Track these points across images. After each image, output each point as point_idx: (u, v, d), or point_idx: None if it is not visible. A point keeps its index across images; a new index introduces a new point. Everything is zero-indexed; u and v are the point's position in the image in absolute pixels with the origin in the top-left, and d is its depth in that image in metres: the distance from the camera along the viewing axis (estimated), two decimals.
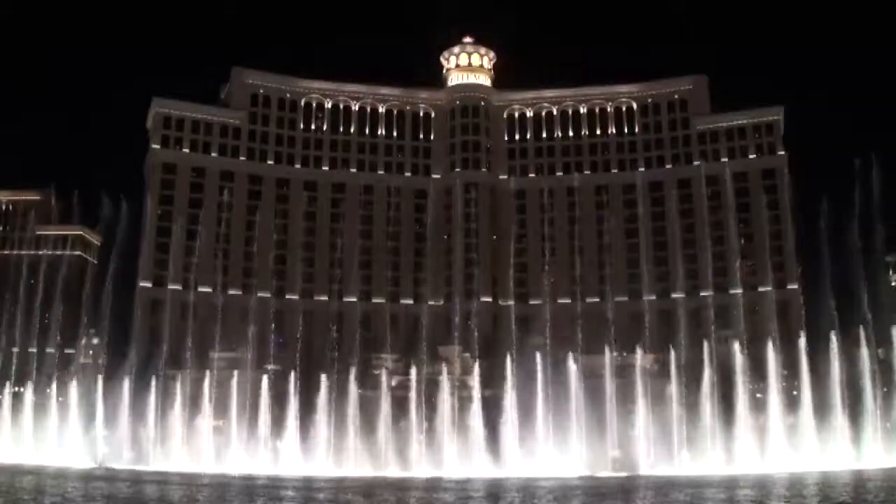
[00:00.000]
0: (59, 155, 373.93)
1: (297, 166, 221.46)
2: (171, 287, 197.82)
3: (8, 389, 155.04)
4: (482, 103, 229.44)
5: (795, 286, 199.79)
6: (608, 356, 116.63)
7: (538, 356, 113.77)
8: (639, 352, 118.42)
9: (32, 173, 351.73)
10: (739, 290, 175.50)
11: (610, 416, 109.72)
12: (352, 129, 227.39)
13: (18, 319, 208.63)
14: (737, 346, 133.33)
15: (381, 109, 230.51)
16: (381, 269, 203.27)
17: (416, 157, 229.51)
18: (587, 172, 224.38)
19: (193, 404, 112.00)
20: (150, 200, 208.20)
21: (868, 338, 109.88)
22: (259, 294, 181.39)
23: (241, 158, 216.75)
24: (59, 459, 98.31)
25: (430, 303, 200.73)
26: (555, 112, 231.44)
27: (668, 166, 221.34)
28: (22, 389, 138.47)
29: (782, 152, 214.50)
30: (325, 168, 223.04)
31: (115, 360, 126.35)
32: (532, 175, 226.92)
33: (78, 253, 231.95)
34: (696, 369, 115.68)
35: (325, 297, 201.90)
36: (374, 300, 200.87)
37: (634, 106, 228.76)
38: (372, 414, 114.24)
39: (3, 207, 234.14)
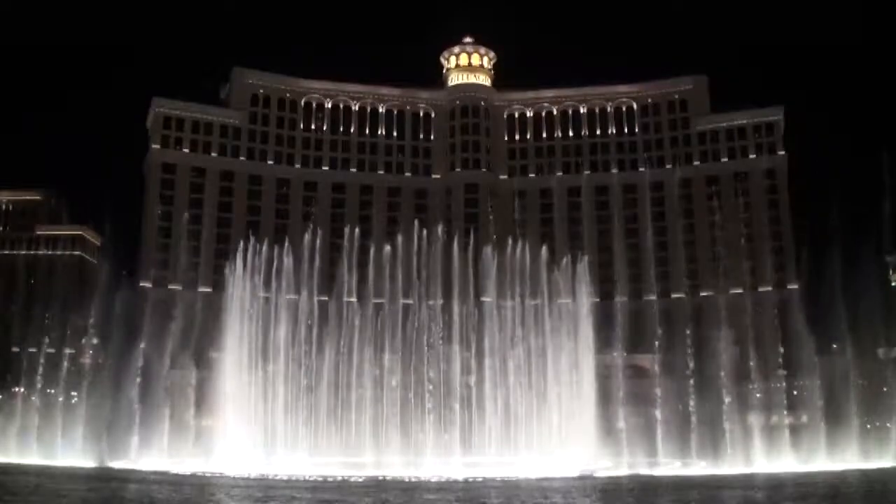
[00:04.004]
0: (59, 155, 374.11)
1: (297, 166, 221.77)
2: (171, 287, 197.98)
3: (8, 390, 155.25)
4: (482, 103, 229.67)
5: (795, 286, 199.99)
6: (611, 356, 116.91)
7: (538, 356, 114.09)
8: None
9: (32, 173, 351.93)
10: (739, 290, 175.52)
11: (612, 415, 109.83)
12: (352, 129, 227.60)
13: (18, 319, 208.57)
14: (736, 346, 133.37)
15: (381, 109, 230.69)
16: (380, 268, 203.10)
17: (416, 157, 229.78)
18: (587, 172, 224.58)
19: (194, 404, 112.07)
20: (149, 200, 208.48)
21: (868, 338, 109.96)
22: (259, 294, 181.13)
23: (241, 158, 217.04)
24: (60, 460, 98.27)
25: (430, 302, 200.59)
26: (555, 112, 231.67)
27: (669, 166, 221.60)
28: (22, 389, 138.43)
29: (782, 152, 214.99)
30: (325, 168, 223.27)
31: (116, 360, 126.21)
32: (532, 175, 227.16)
33: (78, 253, 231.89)
34: (695, 369, 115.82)
35: (325, 297, 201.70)
36: (374, 300, 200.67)
37: (634, 106, 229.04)
38: (372, 414, 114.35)
39: (3, 207, 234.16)
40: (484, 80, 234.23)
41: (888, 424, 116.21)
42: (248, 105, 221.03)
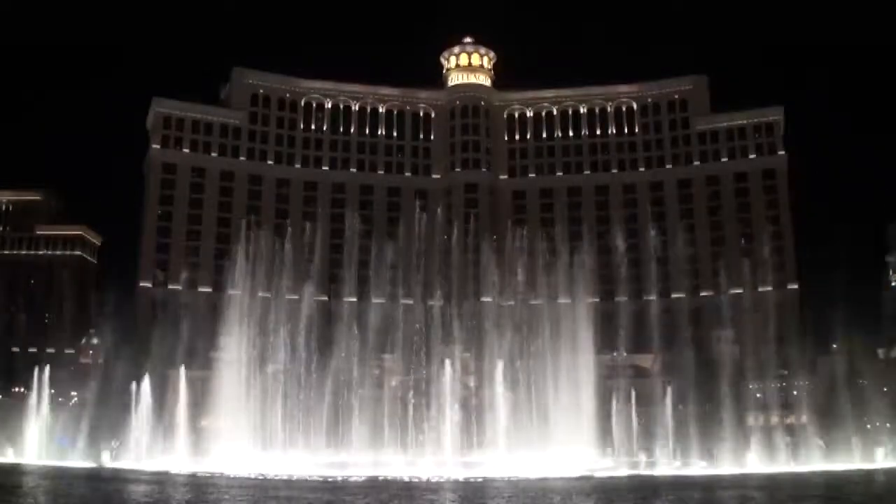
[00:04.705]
0: (59, 155, 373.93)
1: (297, 166, 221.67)
2: (171, 287, 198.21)
3: (8, 389, 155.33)
4: (482, 103, 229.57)
5: (795, 286, 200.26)
6: (611, 356, 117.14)
7: (537, 357, 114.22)
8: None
9: (32, 173, 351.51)
10: (739, 290, 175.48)
11: (612, 415, 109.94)
12: (352, 129, 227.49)
13: (18, 319, 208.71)
14: (736, 346, 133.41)
15: (381, 109, 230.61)
16: (380, 269, 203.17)
17: (416, 157, 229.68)
18: (587, 172, 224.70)
19: (194, 404, 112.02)
20: (149, 200, 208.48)
21: (868, 338, 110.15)
22: (259, 294, 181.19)
23: (241, 158, 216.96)
24: (60, 460, 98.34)
25: (430, 303, 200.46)
26: (555, 112, 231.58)
27: (668, 166, 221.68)
28: (22, 389, 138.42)
29: (782, 152, 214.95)
30: (325, 168, 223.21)
31: (116, 360, 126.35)
32: (532, 175, 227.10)
33: (78, 253, 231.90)
34: (695, 369, 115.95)
35: (324, 298, 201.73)
36: (374, 300, 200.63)
37: (634, 106, 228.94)
38: (372, 414, 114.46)
39: (3, 207, 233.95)
40: (484, 80, 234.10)
41: (888, 424, 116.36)
42: (248, 105, 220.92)
